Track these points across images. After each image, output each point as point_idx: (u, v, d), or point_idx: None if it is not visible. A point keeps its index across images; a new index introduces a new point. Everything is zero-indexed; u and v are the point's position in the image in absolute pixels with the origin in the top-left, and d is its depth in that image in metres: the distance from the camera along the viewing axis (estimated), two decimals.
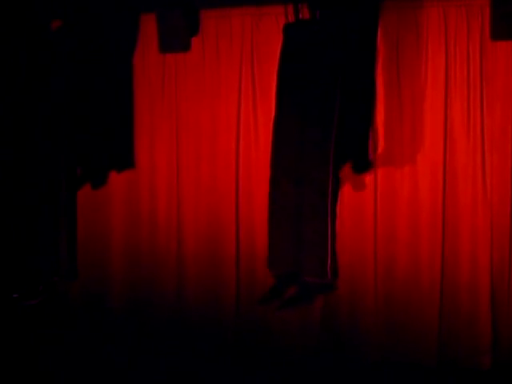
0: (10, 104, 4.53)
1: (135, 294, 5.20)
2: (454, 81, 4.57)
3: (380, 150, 4.65)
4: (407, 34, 4.57)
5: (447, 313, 4.65)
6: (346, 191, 4.65)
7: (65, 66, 4.50)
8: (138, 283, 5.19)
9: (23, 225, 4.52)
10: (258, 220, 4.97)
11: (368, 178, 4.66)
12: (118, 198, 5.25)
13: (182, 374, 4.66)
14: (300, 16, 4.23)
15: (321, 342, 4.86)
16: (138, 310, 5.20)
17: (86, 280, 5.24)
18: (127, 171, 5.18)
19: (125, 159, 5.06)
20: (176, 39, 4.71)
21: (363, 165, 4.26)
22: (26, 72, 4.51)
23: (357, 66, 4.10)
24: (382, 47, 4.51)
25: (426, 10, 4.52)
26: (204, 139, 5.11)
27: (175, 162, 5.17)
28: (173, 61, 5.06)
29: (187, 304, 5.14)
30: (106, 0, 4.57)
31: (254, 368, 4.76)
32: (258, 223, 4.98)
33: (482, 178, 4.55)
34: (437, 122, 4.59)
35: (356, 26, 3.96)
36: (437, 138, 4.60)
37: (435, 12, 4.53)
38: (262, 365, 4.87)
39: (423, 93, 4.60)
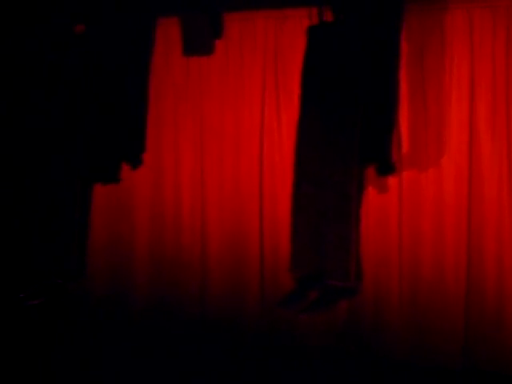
0: (26, 100, 4.57)
1: (159, 296, 5.24)
2: (479, 83, 4.52)
3: (405, 152, 4.62)
4: (431, 36, 4.53)
5: (473, 315, 4.61)
6: (370, 194, 4.63)
7: (85, 68, 4.52)
8: (161, 285, 5.24)
9: (29, 224, 4.54)
10: (282, 222, 4.96)
11: (392, 181, 4.63)
12: (142, 200, 5.29)
13: (204, 375, 4.68)
14: (324, 18, 4.20)
15: (345, 344, 4.86)
16: (162, 311, 5.23)
17: (109, 282, 5.28)
18: (152, 173, 5.22)
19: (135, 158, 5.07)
20: (200, 42, 4.71)
21: (387, 167, 4.23)
22: (47, 73, 4.55)
23: (380, 69, 4.08)
24: (406, 49, 4.48)
25: (451, 11, 4.47)
26: (228, 141, 5.13)
27: (199, 165, 5.20)
28: (197, 64, 5.08)
29: (211, 306, 5.16)
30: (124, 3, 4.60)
31: (278, 370, 4.78)
32: (281, 226, 4.97)
33: (508, 179, 4.50)
34: (462, 125, 4.55)
35: (379, 29, 3.93)
36: (462, 140, 4.56)
37: (460, 14, 4.48)
38: (286, 367, 4.89)
39: (448, 95, 4.56)
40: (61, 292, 4.58)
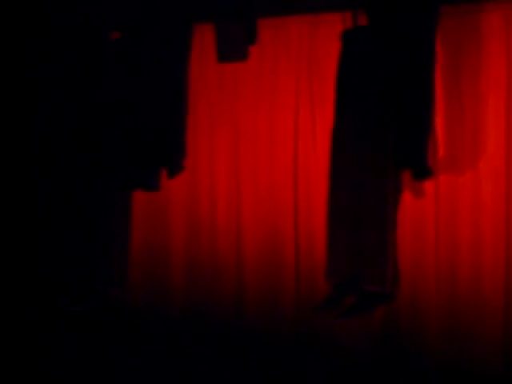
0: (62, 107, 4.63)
1: (195, 302, 5.26)
2: None
3: (441, 156, 4.59)
4: (467, 38, 4.48)
5: None
6: (407, 198, 4.60)
7: (121, 76, 4.57)
8: (197, 291, 5.26)
9: (72, 230, 4.59)
10: (318, 228, 4.96)
11: (429, 185, 4.59)
12: (178, 206, 5.32)
13: (241, 380, 4.71)
14: (357, 23, 4.19)
15: (382, 349, 4.84)
16: (198, 317, 5.26)
17: (146, 289, 5.32)
18: (187, 178, 5.25)
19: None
20: (234, 49, 4.74)
21: (423, 172, 4.21)
22: (82, 79, 4.61)
23: (416, 72, 4.06)
24: (442, 52, 4.44)
25: (487, 14, 4.42)
26: (262, 147, 5.14)
27: (234, 171, 5.22)
28: (231, 70, 5.10)
29: (247, 312, 5.18)
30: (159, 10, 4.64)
31: (316, 376, 4.78)
32: (317, 231, 4.97)
33: None
34: (499, 128, 4.49)
35: (414, 32, 3.91)
36: (499, 143, 4.49)
37: (496, 16, 4.42)
38: (324, 372, 4.89)
39: (485, 98, 4.50)
40: (103, 299, 4.64)
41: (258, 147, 5.16)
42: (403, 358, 4.79)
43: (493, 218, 4.54)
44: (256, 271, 5.14)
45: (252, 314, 5.15)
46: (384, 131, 3.98)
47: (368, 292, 4.04)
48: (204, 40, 5.07)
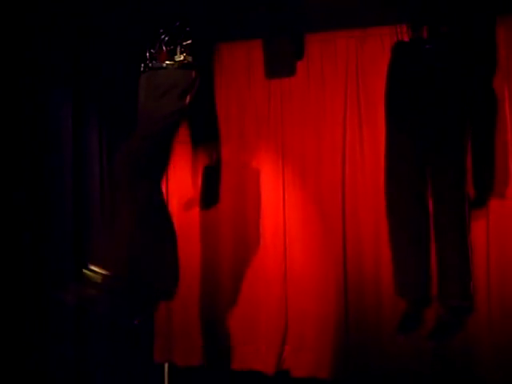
0: None
1: (244, 317, 5.24)
2: None
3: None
4: None
5: None
6: None
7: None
8: (247, 305, 5.24)
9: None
10: (366, 243, 4.95)
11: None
12: (225, 223, 5.31)
13: None
14: (407, 36, 4.16)
15: (433, 363, 4.75)
16: (246, 333, 5.24)
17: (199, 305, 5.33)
18: (234, 196, 5.26)
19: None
20: (282, 64, 4.75)
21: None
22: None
23: (484, 86, 4.06)
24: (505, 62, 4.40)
25: None
26: (309, 163, 5.13)
27: (281, 186, 5.20)
28: (278, 85, 5.13)
29: (294, 327, 5.13)
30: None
31: None
32: (365, 247, 4.96)
33: None
34: None
35: (469, 44, 3.88)
36: None
37: None
38: None
39: None
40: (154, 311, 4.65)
41: (305, 164, 5.15)
42: (454, 375, 4.69)
43: None
44: (304, 286, 5.09)
45: (299, 330, 5.10)
46: (456, 146, 3.91)
47: (454, 307, 3.96)
48: (252, 56, 5.14)
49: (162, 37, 4.15)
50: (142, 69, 4.18)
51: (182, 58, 4.13)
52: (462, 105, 3.88)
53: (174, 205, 5.36)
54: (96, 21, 4.68)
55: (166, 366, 5.47)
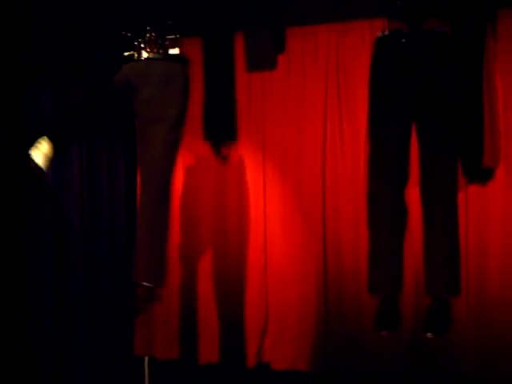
0: None
1: (224, 310, 5.26)
2: None
3: None
4: None
5: None
6: None
7: None
8: (227, 298, 5.25)
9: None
10: (345, 237, 4.98)
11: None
12: (206, 214, 5.32)
13: None
14: (388, 30, 4.17)
15: (411, 359, 4.79)
16: (226, 326, 5.25)
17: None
18: (215, 187, 5.27)
19: None
20: (263, 57, 4.78)
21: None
22: None
23: (470, 77, 4.12)
24: (501, 55, 4.45)
25: None
26: (290, 155, 5.15)
27: (262, 179, 5.22)
28: (259, 78, 5.13)
29: (273, 321, 5.16)
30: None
31: None
32: (345, 240, 4.99)
33: None
34: None
35: (466, 35, 3.91)
36: None
37: None
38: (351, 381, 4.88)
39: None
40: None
41: (285, 156, 5.16)
42: (432, 366, 4.74)
43: None
44: (283, 278, 5.12)
45: (279, 323, 5.12)
46: (446, 138, 3.91)
47: (443, 300, 3.95)
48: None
49: (148, 28, 4.15)
50: (127, 59, 4.17)
51: (176, 51, 4.16)
52: (448, 95, 3.90)
53: None
54: (79, 10, 4.67)
55: (146, 359, 5.48)
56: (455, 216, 3.90)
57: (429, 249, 3.91)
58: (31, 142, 4.00)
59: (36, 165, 3.90)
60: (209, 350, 5.24)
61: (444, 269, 3.86)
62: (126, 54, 4.19)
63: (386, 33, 3.97)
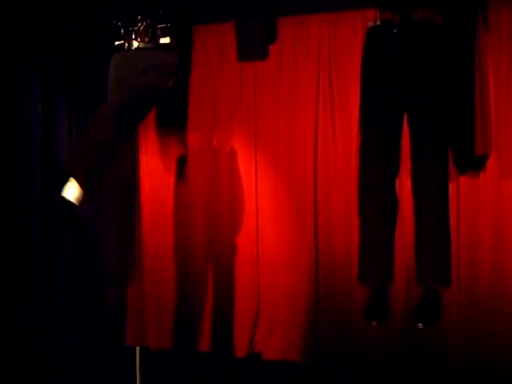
0: None
1: (216, 300, 5.27)
2: None
3: None
4: None
5: None
6: None
7: None
8: (219, 288, 5.26)
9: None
10: (337, 227, 4.96)
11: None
12: (198, 205, 5.32)
13: None
14: (380, 20, 4.14)
15: (401, 350, 4.80)
16: (218, 316, 5.25)
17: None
18: (207, 178, 5.26)
19: None
20: (254, 47, 4.74)
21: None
22: None
23: (461, 68, 4.10)
24: (492, 45, 4.44)
25: None
26: (282, 147, 5.13)
27: (254, 171, 5.21)
28: (251, 68, 5.11)
29: (265, 308, 5.17)
30: None
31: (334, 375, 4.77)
32: (336, 230, 4.97)
33: None
34: None
35: (444, 29, 3.87)
36: None
37: None
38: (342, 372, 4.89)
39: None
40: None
41: (277, 146, 5.15)
42: (421, 358, 4.75)
43: None
44: (274, 271, 5.12)
45: (270, 311, 5.13)
46: (436, 129, 3.89)
47: (434, 292, 3.94)
48: (224, 39, 5.11)
49: (139, 18, 4.12)
50: (116, 49, 4.15)
51: (167, 40, 4.13)
52: (439, 85, 3.88)
53: (147, 188, 5.38)
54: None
55: (138, 349, 5.48)
56: (446, 206, 3.89)
57: (420, 240, 3.90)
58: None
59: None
60: (201, 340, 5.26)
61: (435, 260, 3.86)
62: (116, 43, 4.18)
63: (378, 23, 3.95)
